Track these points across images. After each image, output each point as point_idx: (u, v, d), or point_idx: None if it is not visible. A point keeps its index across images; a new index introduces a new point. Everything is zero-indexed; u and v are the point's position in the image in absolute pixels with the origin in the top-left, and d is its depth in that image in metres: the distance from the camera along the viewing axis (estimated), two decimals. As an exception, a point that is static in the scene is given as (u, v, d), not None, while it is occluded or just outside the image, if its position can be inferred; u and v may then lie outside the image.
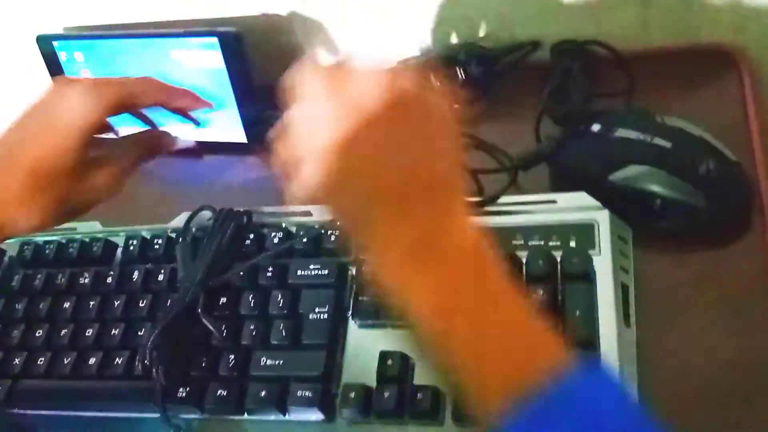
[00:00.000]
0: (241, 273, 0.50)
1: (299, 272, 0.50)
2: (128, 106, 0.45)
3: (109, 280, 0.53)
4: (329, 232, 0.51)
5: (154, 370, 0.42)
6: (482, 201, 0.50)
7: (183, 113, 0.51)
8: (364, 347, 0.46)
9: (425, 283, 0.33)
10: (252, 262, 0.50)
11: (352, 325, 0.48)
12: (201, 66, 0.63)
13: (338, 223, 0.38)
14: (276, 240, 0.52)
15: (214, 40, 0.61)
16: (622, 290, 0.45)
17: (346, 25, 0.64)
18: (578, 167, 0.52)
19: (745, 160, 0.51)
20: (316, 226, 0.52)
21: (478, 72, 0.60)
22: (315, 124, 0.35)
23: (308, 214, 0.54)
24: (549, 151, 0.53)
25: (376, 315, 0.47)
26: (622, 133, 0.50)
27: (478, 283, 0.33)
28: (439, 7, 0.61)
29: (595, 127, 0.52)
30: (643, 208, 0.48)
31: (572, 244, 0.47)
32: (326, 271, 0.49)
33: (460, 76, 0.60)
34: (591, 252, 0.45)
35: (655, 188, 0.47)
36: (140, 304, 0.51)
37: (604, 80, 0.59)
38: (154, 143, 0.50)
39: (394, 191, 0.34)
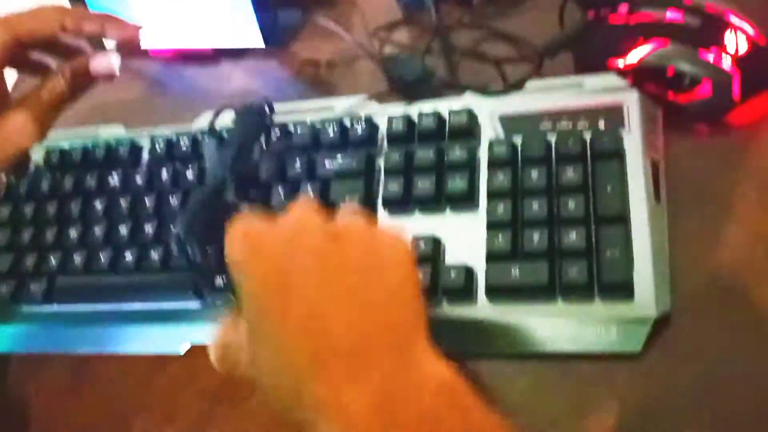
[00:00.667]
0: (268, 164, 0.50)
1: (327, 163, 0.50)
2: (23, 42, 0.43)
3: (139, 179, 0.54)
4: (353, 124, 0.51)
5: (189, 254, 0.43)
6: (507, 86, 0.50)
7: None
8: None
9: None
10: (280, 152, 0.50)
11: (382, 213, 0.49)
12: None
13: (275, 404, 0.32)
14: (300, 132, 0.52)
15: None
16: (652, 167, 0.45)
17: None
18: (603, 51, 0.51)
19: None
20: (341, 118, 0.52)
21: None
22: (256, 297, 0.32)
23: (330, 109, 0.54)
24: (573, 37, 0.53)
25: (404, 204, 0.47)
26: (647, 12, 0.49)
27: (451, 424, 0.29)
28: None
29: (621, 9, 0.51)
30: (672, 87, 0.48)
31: (601, 125, 0.47)
32: (354, 162, 0.50)
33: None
34: (621, 131, 0.45)
35: (683, 66, 0.47)
36: (171, 201, 0.52)
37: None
38: (80, 73, 0.46)
39: (344, 350, 0.30)
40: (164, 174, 0.53)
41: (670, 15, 0.49)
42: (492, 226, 0.45)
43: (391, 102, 0.54)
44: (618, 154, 0.45)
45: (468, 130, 0.49)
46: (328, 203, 0.49)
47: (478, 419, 0.30)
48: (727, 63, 0.47)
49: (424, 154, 0.48)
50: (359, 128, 0.51)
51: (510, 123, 0.49)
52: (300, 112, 0.55)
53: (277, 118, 0.53)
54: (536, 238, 0.43)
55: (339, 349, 0.30)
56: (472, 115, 0.49)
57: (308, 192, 0.50)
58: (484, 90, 0.52)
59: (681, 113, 0.49)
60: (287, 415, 0.31)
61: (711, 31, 0.47)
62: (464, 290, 0.44)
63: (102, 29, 0.45)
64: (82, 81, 0.46)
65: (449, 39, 0.59)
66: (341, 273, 0.31)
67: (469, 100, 0.51)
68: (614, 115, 0.46)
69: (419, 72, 0.56)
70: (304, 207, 0.34)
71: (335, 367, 0.29)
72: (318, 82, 0.62)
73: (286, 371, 0.30)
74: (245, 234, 0.33)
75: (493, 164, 0.47)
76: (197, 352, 0.47)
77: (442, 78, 0.56)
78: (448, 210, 0.47)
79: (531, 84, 0.50)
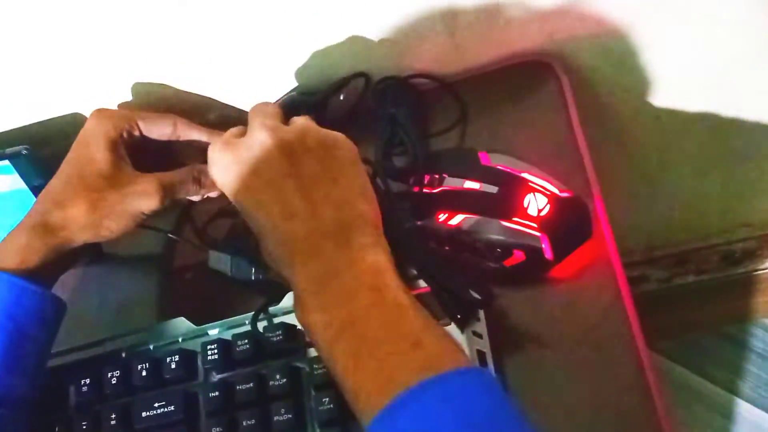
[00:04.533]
0: None
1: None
2: (135, 126, 0.50)
3: None
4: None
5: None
6: None
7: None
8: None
9: (319, 311, 0.36)
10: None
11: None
12: (0, 191, 0.57)
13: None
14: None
15: (6, 162, 0.55)
16: (479, 358, 0.43)
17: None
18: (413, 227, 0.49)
19: (578, 178, 0.50)
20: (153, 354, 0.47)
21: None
22: (233, 194, 0.40)
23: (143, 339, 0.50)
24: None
25: None
26: (450, 183, 0.48)
27: (367, 300, 0.36)
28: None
29: (426, 181, 0.49)
30: (485, 257, 0.46)
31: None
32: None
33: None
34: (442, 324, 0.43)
35: (490, 238, 0.45)
36: None
37: (435, 112, 0.56)
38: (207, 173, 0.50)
39: (300, 239, 0.38)
40: None
41: (469, 184, 0.47)
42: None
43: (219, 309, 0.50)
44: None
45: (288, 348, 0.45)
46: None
47: (391, 298, 0.36)
48: (531, 228, 0.45)
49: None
50: (173, 363, 0.46)
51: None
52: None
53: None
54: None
55: (297, 236, 0.38)
56: (290, 330, 0.46)
57: None
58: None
59: (501, 277, 0.47)
60: (270, 263, 0.40)
61: (510, 197, 0.46)
62: None
63: (205, 137, 0.51)
64: (206, 184, 0.51)
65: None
66: (304, 181, 0.39)
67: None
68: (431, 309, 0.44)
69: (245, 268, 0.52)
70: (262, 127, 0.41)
71: (287, 254, 0.38)
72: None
73: (267, 247, 0.39)
74: (225, 143, 0.42)
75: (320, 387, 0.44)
76: None
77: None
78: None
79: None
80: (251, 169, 0.40)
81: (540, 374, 0.44)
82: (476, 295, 0.42)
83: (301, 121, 0.42)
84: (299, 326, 0.45)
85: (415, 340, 0.34)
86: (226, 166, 0.41)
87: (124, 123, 0.49)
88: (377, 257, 0.37)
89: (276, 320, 0.47)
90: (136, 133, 0.50)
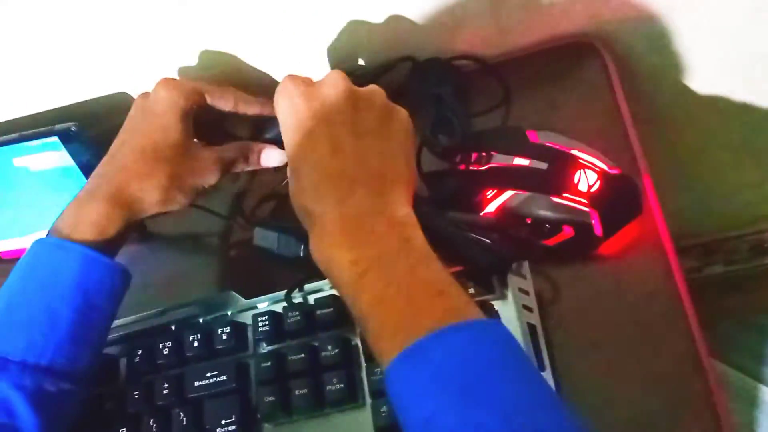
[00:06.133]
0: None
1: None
2: (204, 98, 0.49)
3: None
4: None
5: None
6: None
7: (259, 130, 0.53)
8: None
9: (348, 247, 0.37)
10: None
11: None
12: (48, 167, 0.58)
13: (297, 215, 0.41)
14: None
15: (55, 139, 0.56)
16: (530, 332, 0.43)
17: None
18: (459, 200, 0.50)
19: (625, 156, 0.50)
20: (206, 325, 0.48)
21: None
22: (291, 126, 0.41)
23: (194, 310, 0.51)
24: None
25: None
26: (498, 161, 0.48)
27: (395, 247, 0.37)
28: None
29: (473, 158, 0.49)
30: (534, 234, 0.46)
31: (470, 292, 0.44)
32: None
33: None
34: (491, 300, 0.43)
35: (540, 214, 0.46)
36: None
37: (478, 94, 0.57)
38: (255, 150, 0.52)
39: (338, 177, 0.39)
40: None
41: (518, 161, 0.47)
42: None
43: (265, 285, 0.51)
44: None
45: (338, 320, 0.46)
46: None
47: (418, 248, 0.38)
48: (582, 204, 0.45)
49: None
50: (224, 335, 0.47)
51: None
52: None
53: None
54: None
55: (340, 174, 0.39)
56: (340, 302, 0.46)
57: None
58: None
59: (550, 254, 0.47)
60: (298, 200, 0.40)
61: (560, 173, 0.46)
62: None
63: (261, 111, 0.51)
64: (253, 161, 0.51)
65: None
66: (359, 129, 0.40)
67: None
68: (484, 281, 0.44)
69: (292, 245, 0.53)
70: (337, 76, 0.42)
71: (327, 189, 0.39)
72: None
73: (304, 181, 0.40)
74: (299, 77, 0.42)
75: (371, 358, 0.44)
76: None
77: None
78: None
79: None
80: (314, 104, 0.41)
81: (589, 348, 0.45)
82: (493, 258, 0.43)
83: (372, 86, 0.43)
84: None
85: (440, 289, 0.36)
86: (291, 97, 0.42)
87: (193, 94, 0.49)
88: (408, 213, 0.39)
89: (325, 293, 0.48)
90: (203, 104, 0.50)
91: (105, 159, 0.49)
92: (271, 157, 0.52)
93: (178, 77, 0.57)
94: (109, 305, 0.46)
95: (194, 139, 0.49)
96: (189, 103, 0.48)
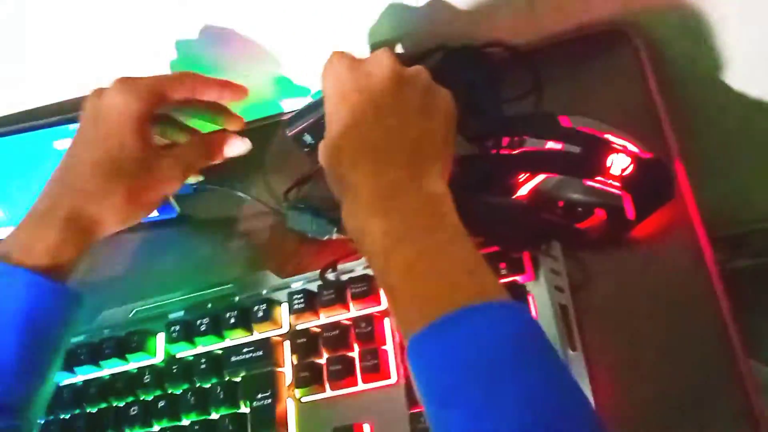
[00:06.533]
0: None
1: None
2: (162, 96, 0.47)
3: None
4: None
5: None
6: None
7: (216, 111, 0.52)
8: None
9: (382, 216, 0.37)
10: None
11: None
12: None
13: (331, 186, 0.42)
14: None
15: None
16: (562, 313, 0.44)
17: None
18: (491, 184, 0.50)
19: (657, 142, 0.50)
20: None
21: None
22: (335, 98, 0.42)
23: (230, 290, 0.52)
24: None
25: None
26: (530, 145, 0.49)
27: (428, 221, 0.37)
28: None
29: (505, 142, 0.50)
30: (567, 216, 0.47)
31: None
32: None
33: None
34: (522, 280, 0.44)
35: (572, 197, 0.46)
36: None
37: (510, 81, 0.57)
38: (216, 143, 0.51)
39: (378, 149, 0.40)
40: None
41: (551, 145, 0.48)
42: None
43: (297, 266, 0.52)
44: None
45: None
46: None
47: (451, 225, 0.38)
48: (614, 187, 0.46)
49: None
50: (260, 312, 0.48)
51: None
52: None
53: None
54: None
55: (380, 144, 0.40)
56: (372, 280, 0.47)
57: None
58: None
59: (581, 238, 0.48)
60: (335, 170, 0.41)
61: (593, 157, 0.47)
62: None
63: (220, 95, 0.50)
64: (216, 152, 0.51)
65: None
66: (402, 106, 0.41)
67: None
68: (516, 261, 0.45)
69: (324, 227, 0.54)
70: (384, 54, 0.43)
71: (366, 160, 0.40)
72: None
73: (343, 151, 0.41)
74: (347, 53, 0.43)
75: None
76: None
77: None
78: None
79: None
80: (360, 79, 0.41)
81: (619, 330, 0.45)
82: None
83: (417, 66, 0.44)
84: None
85: (470, 268, 0.36)
86: (338, 71, 0.42)
87: (151, 95, 0.46)
88: (444, 191, 0.39)
89: (359, 272, 0.49)
90: (163, 101, 0.47)
91: (57, 173, 0.46)
92: (235, 147, 0.51)
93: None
94: (60, 333, 0.43)
95: (155, 144, 0.47)
96: (146, 107, 0.46)
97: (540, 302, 0.43)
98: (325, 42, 0.57)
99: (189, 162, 0.49)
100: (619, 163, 0.46)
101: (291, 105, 0.62)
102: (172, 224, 0.62)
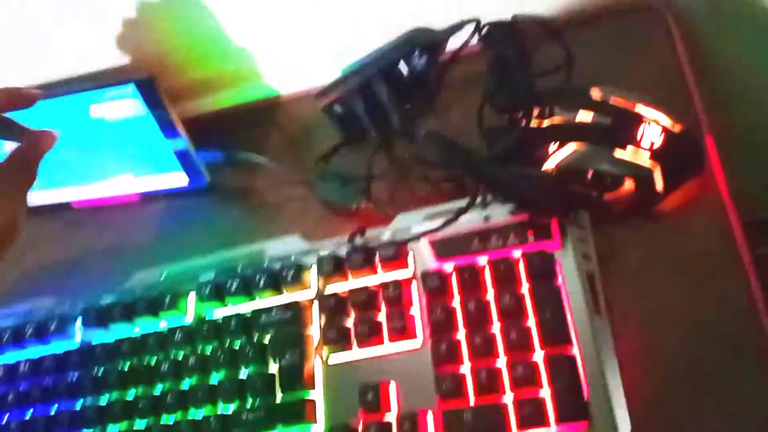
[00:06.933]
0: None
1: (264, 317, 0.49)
2: None
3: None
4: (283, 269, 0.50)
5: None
6: (445, 222, 0.48)
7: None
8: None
9: None
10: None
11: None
12: (123, 116, 0.60)
13: None
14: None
15: (130, 87, 0.58)
16: (588, 279, 0.44)
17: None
18: (521, 155, 0.51)
19: (688, 119, 0.50)
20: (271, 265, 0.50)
21: (422, 64, 0.58)
22: None
23: (259, 254, 0.53)
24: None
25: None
26: (560, 116, 0.49)
27: None
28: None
29: (535, 112, 0.50)
30: (596, 187, 0.47)
31: (531, 241, 0.45)
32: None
33: (404, 72, 0.58)
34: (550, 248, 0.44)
35: (602, 168, 0.46)
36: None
37: (541, 57, 0.57)
38: (30, 156, 0.47)
39: None
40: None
41: (581, 116, 0.48)
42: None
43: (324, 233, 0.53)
44: (551, 275, 0.43)
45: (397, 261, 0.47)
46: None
47: None
48: (644, 158, 0.46)
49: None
50: (289, 276, 0.49)
51: (441, 247, 0.48)
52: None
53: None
54: (483, 375, 0.42)
55: None
56: (400, 246, 0.48)
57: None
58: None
59: (609, 209, 0.48)
60: None
61: (624, 128, 0.47)
62: None
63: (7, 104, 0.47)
64: (36, 157, 0.47)
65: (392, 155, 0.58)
66: None
67: (400, 224, 0.50)
68: (544, 229, 0.45)
69: (352, 196, 0.55)
70: None
71: None
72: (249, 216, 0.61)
73: None
74: None
75: (429, 295, 0.46)
76: None
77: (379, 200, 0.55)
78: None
79: (457, 203, 0.49)
80: None
81: (645, 300, 0.45)
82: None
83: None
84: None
85: None
86: None
87: None
88: None
89: (386, 239, 0.49)
90: None
91: None
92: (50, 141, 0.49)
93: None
94: None
95: None
96: None
97: (567, 270, 0.44)
98: (347, 16, 0.58)
99: (24, 197, 0.47)
100: (649, 135, 0.46)
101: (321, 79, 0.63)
102: (202, 193, 0.64)
